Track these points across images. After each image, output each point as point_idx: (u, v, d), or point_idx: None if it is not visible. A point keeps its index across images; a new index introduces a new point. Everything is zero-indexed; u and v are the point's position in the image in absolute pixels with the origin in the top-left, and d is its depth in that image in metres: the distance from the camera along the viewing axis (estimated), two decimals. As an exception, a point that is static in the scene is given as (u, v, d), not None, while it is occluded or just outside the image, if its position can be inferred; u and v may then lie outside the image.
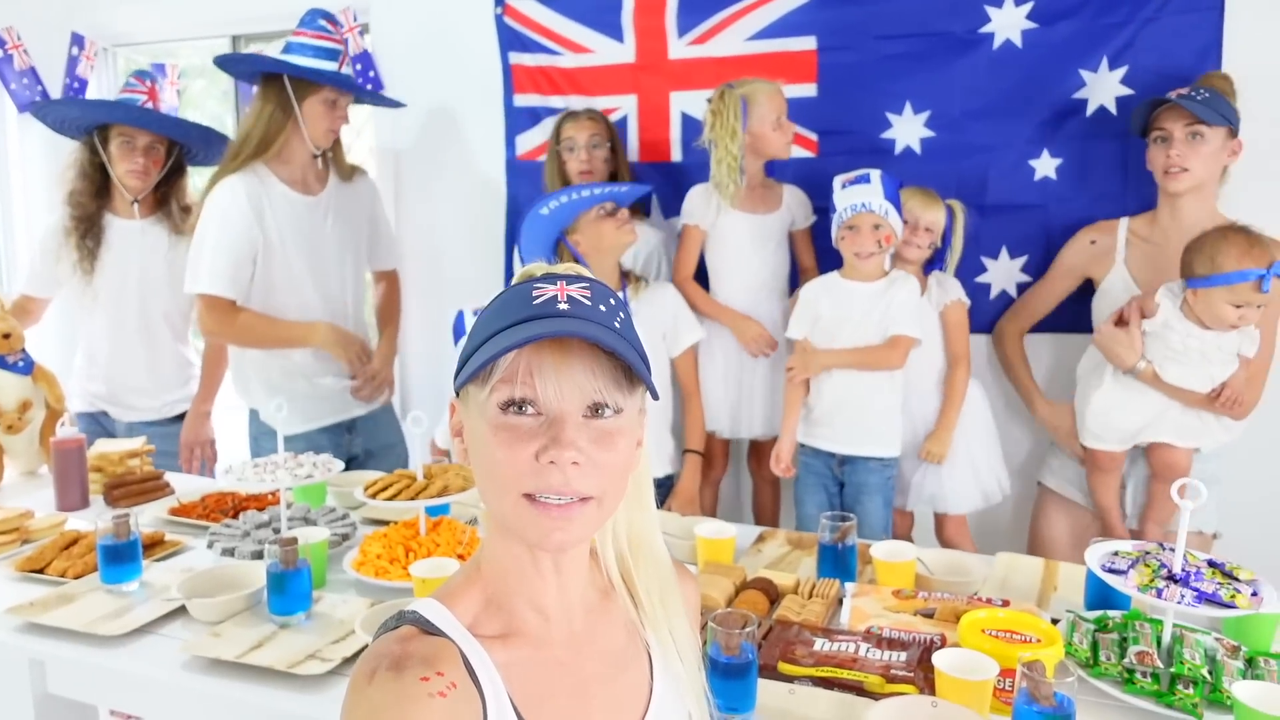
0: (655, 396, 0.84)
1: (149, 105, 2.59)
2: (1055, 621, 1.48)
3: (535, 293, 0.81)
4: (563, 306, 0.80)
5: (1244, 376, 2.05)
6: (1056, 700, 1.13)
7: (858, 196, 2.14)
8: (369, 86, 2.98)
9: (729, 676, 1.22)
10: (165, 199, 2.64)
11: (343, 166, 2.56)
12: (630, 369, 0.80)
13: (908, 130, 2.48)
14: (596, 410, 0.79)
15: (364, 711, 0.74)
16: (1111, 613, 1.46)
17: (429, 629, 0.82)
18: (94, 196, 2.59)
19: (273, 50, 2.60)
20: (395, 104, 2.70)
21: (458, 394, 0.85)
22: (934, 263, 2.35)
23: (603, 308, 0.81)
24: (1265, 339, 2.06)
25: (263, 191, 2.37)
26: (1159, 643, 1.33)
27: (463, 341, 0.87)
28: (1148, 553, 1.40)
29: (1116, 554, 1.42)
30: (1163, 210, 2.15)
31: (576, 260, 2.25)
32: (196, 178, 2.76)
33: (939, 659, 1.26)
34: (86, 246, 2.57)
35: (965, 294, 2.33)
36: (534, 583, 0.86)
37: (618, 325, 0.82)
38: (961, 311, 2.31)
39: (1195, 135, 2.04)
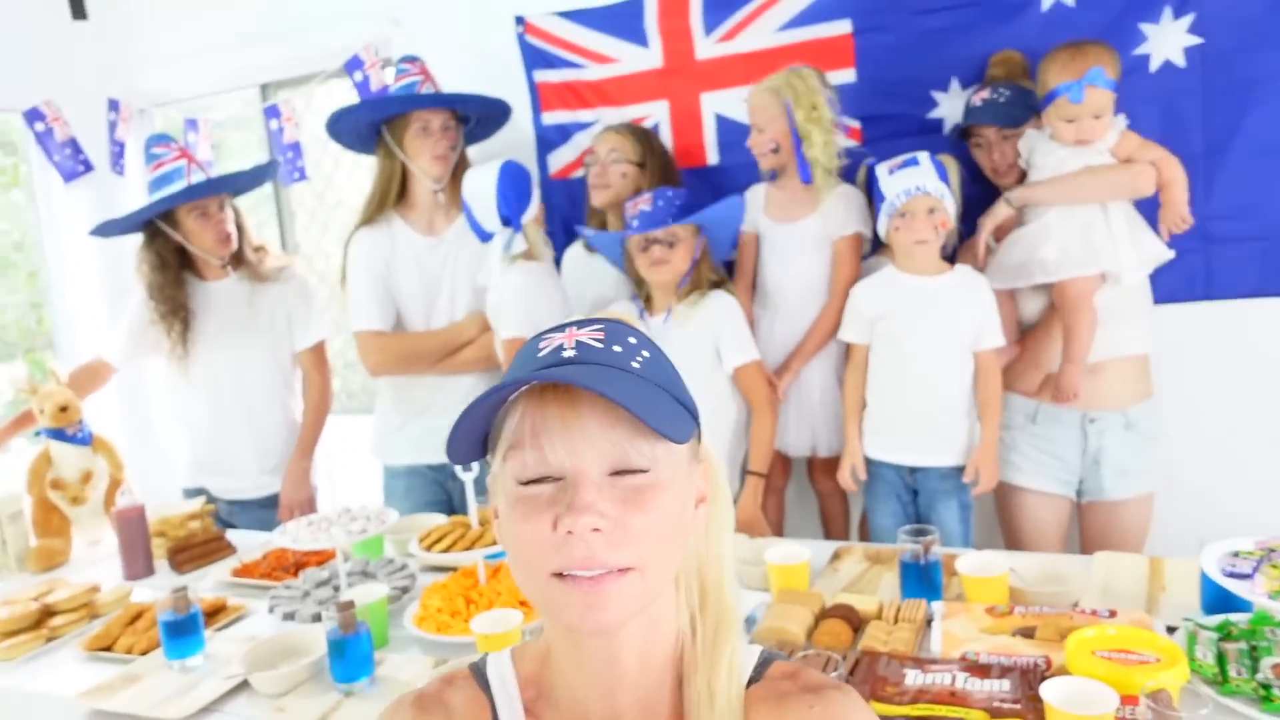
0: (679, 440, 0.71)
1: (194, 168, 2.56)
2: (1171, 630, 1.35)
3: (541, 345, 0.74)
4: (568, 354, 0.72)
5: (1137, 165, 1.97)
6: (1189, 734, 1.01)
7: (909, 180, 2.01)
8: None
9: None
10: (239, 249, 2.62)
11: None
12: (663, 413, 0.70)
13: (956, 107, 2.33)
14: (625, 468, 0.70)
15: None
16: (1235, 617, 1.32)
17: (481, 680, 0.80)
18: (176, 283, 2.56)
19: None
20: (497, 104, 2.56)
21: (487, 470, 0.77)
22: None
23: (617, 348, 0.73)
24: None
25: (388, 238, 2.48)
26: (1296, 652, 1.19)
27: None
28: (1273, 550, 1.26)
29: (1237, 555, 1.28)
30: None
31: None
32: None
33: (1048, 691, 1.14)
34: (178, 331, 2.54)
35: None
36: (577, 675, 0.76)
37: (637, 365, 0.73)
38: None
39: (1007, 138, 2.13)
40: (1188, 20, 2.10)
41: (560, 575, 0.68)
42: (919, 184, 1.99)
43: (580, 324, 0.75)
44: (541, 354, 0.73)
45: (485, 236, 2.28)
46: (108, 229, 2.63)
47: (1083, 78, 1.90)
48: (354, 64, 2.92)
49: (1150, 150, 1.97)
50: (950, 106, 2.35)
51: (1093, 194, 1.97)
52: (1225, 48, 2.08)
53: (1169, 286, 2.17)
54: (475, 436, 0.74)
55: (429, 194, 2.48)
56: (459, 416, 0.71)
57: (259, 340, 2.62)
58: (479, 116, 2.57)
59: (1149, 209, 2.04)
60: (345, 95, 3.00)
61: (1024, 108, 2.08)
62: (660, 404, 0.71)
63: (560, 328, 0.75)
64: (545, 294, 2.23)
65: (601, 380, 0.68)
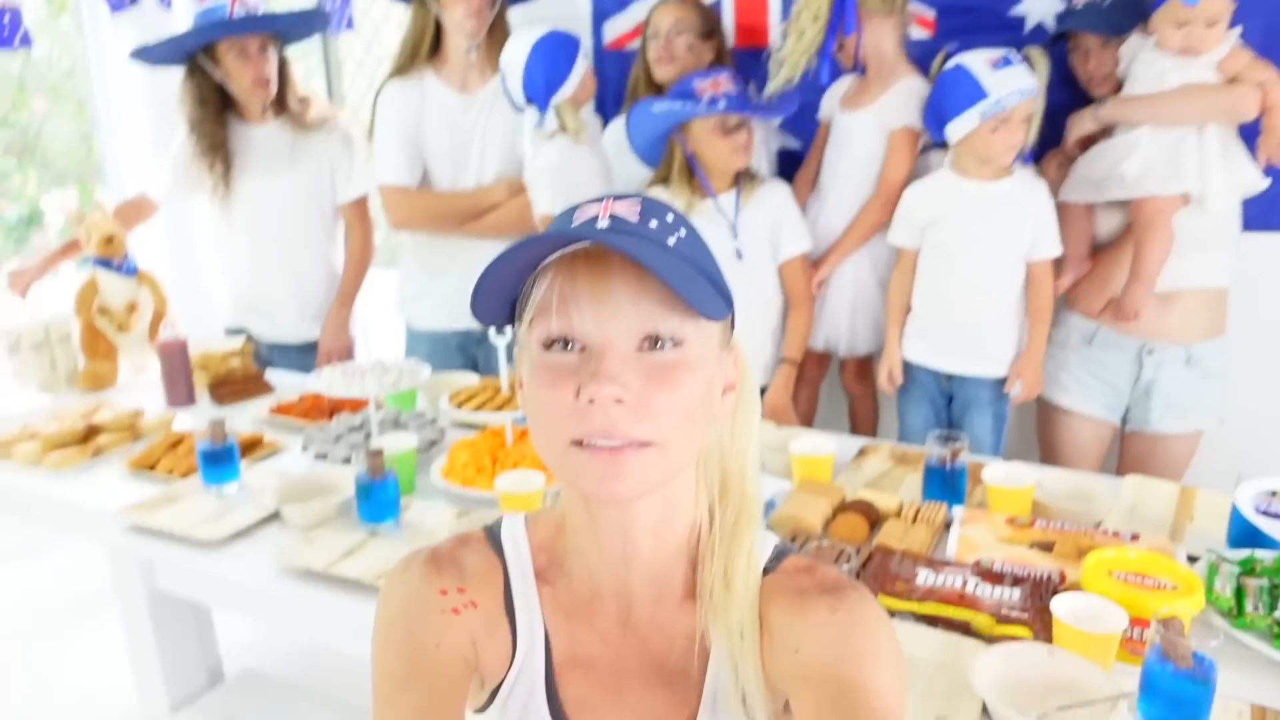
0: (715, 318, 0.70)
1: (239, 5, 2.48)
2: (1193, 560, 1.35)
3: (576, 215, 0.71)
4: (602, 225, 0.69)
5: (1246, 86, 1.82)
6: (1195, 660, 1.01)
7: (1019, 81, 1.88)
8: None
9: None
10: (281, 96, 2.58)
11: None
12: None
13: (1042, 5, 2.18)
14: (654, 343, 0.68)
15: (383, 592, 0.80)
16: (1260, 554, 1.30)
17: (495, 543, 0.81)
18: (217, 121, 2.53)
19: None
20: None
21: (514, 336, 0.76)
22: None
23: (654, 224, 0.70)
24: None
25: (419, 92, 2.41)
26: (1318, 593, 1.18)
27: None
28: (1311, 492, 1.23)
29: (1274, 494, 1.25)
30: None
31: (687, 159, 2.11)
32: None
33: (1059, 605, 1.15)
34: (219, 170, 2.53)
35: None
36: (591, 546, 0.77)
37: (673, 243, 0.70)
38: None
39: (1108, 46, 1.98)
40: None
41: (579, 443, 0.67)
42: (1028, 86, 1.88)
43: (617, 196, 0.72)
44: (576, 223, 0.71)
45: (519, 107, 2.21)
46: (146, 54, 2.57)
47: None
48: None
49: (1261, 70, 1.82)
50: (1035, 3, 2.19)
51: (1189, 115, 1.84)
52: None
53: (1252, 214, 2.05)
54: (503, 299, 0.72)
55: (462, 50, 2.39)
56: (482, 273, 0.69)
57: (300, 188, 2.60)
58: None
59: (1250, 133, 1.91)
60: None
61: (1130, 14, 1.92)
62: (695, 280, 0.68)
63: (597, 199, 0.72)
64: (580, 172, 2.16)
65: (636, 247, 0.65)
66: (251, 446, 1.93)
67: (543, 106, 2.15)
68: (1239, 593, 1.22)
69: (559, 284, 0.68)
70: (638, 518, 0.73)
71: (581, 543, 0.77)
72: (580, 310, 0.67)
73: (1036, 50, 1.97)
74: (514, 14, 2.53)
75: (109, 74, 3.33)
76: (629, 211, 0.70)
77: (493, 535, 0.82)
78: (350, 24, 3.06)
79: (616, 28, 2.69)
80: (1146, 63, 1.87)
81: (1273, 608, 1.18)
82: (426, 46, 2.41)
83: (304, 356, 2.71)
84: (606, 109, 2.72)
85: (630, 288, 0.67)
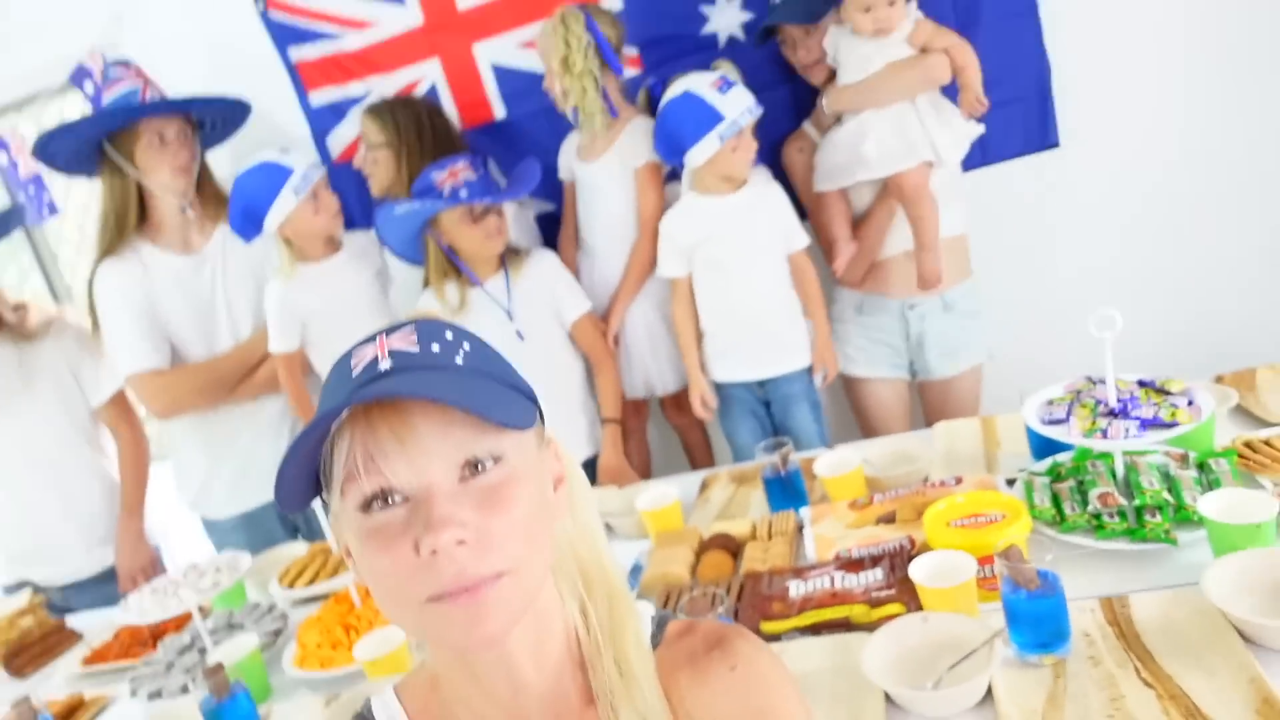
0: (524, 427, 0.68)
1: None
2: (1011, 483, 1.46)
3: (353, 362, 0.69)
4: (384, 366, 0.67)
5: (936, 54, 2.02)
6: (1041, 578, 1.10)
7: (745, 100, 1.98)
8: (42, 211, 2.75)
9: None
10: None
11: (225, 209, 2.28)
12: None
13: (727, 18, 2.34)
14: (473, 468, 0.66)
15: None
16: (1060, 458, 1.44)
17: None
18: None
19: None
20: (235, 105, 2.33)
21: (326, 509, 0.71)
22: None
23: (435, 347, 0.69)
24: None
25: (139, 266, 2.26)
26: (1114, 477, 1.31)
27: None
28: (1080, 392, 1.38)
29: (1050, 402, 1.39)
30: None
31: (445, 254, 2.09)
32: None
33: (915, 571, 1.21)
34: None
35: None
36: (475, 692, 0.73)
37: (460, 360, 0.69)
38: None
39: (811, 34, 2.13)
40: None
41: (435, 598, 0.64)
42: (753, 102, 1.99)
43: (389, 330, 0.70)
44: (355, 371, 0.67)
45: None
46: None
47: None
48: (81, 74, 2.55)
49: (944, 37, 2.01)
50: (720, 19, 2.35)
51: (896, 94, 2.01)
52: None
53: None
54: (305, 477, 0.68)
55: (175, 211, 2.27)
56: (281, 463, 0.65)
57: (44, 406, 2.33)
58: (215, 119, 2.35)
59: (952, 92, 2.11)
60: (80, 112, 2.68)
61: (824, 1, 2.05)
62: (497, 395, 0.68)
63: (370, 338, 0.70)
64: (312, 298, 2.18)
65: (428, 385, 0.64)
66: (72, 713, 1.71)
67: (246, 238, 2.14)
68: (1055, 500, 1.34)
69: (361, 442, 0.65)
70: (514, 648, 0.71)
71: (463, 692, 0.74)
72: (390, 462, 0.64)
73: (726, 62, 2.11)
74: (223, 151, 2.42)
75: None
76: (406, 343, 0.68)
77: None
78: (54, 209, 2.81)
79: (341, 139, 2.64)
80: (849, 49, 2.04)
81: (1085, 504, 1.30)
82: (133, 216, 2.25)
83: (105, 587, 2.42)
84: (354, 218, 2.65)
85: (435, 423, 0.65)
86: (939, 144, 2.02)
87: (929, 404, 2.29)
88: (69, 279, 3.25)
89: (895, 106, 2.02)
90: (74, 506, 2.39)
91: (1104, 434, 1.27)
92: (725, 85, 1.99)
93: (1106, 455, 1.35)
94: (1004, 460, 1.59)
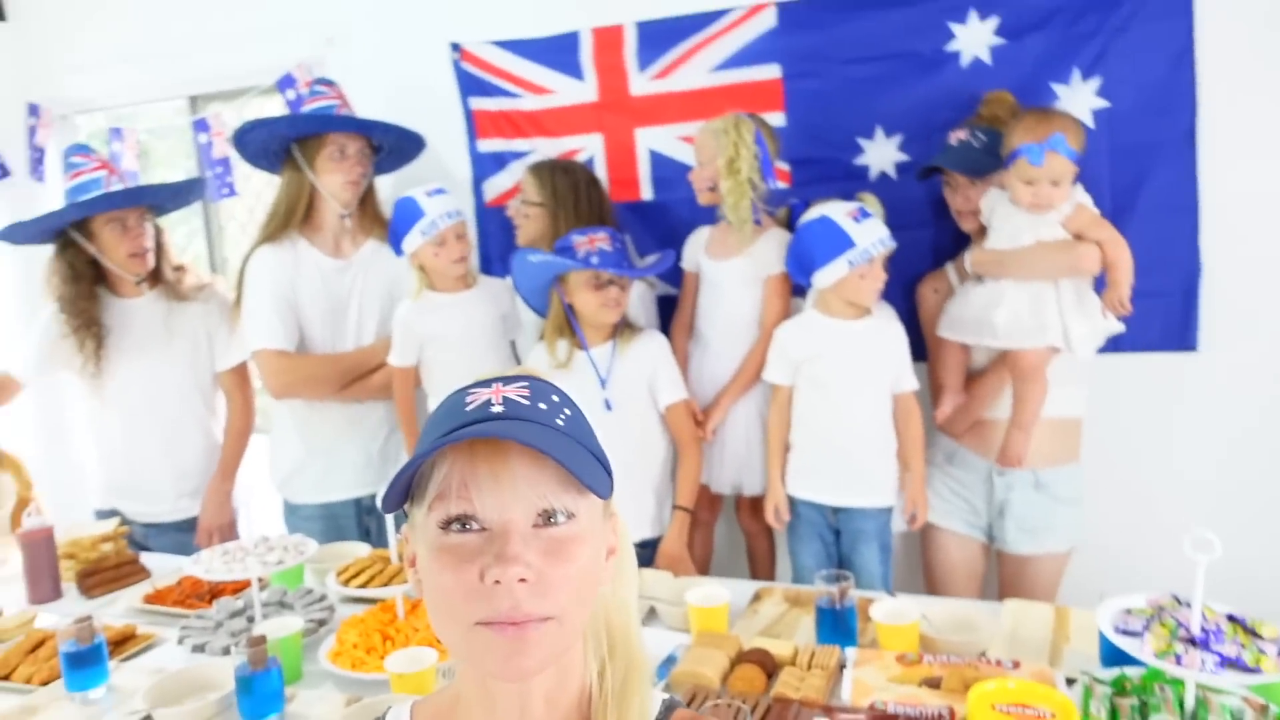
0: (602, 496, 0.76)
1: (113, 180, 2.47)
2: (1071, 682, 1.41)
3: (468, 400, 0.75)
4: (497, 409, 0.74)
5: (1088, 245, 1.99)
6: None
7: (879, 231, 2.04)
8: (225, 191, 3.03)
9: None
10: (157, 266, 2.53)
11: (380, 227, 2.51)
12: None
13: (881, 155, 2.41)
14: (548, 519, 0.72)
15: None
16: (1130, 671, 1.38)
17: None
18: (90, 296, 2.45)
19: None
20: (413, 137, 2.53)
21: (406, 516, 0.78)
22: None
23: (543, 405, 0.75)
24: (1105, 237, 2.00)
25: (293, 257, 2.44)
26: (1182, 707, 1.25)
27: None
28: (1162, 609, 1.32)
29: (1129, 612, 1.34)
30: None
31: (565, 311, 2.19)
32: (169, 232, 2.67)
33: (947, 744, 1.18)
34: (90, 347, 2.44)
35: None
36: (485, 719, 0.78)
37: (561, 423, 0.75)
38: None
39: (975, 184, 2.14)
40: (1095, 83, 2.20)
41: (484, 623, 0.70)
42: (887, 235, 2.05)
43: (506, 380, 0.77)
44: (470, 408, 0.74)
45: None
46: (16, 232, 2.51)
47: (1044, 142, 1.90)
48: (286, 82, 2.88)
49: (1101, 229, 1.99)
50: (875, 154, 2.42)
51: (1041, 271, 2.00)
52: (1129, 111, 2.18)
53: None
54: (405, 485, 0.75)
55: (336, 218, 2.46)
56: (398, 472, 0.73)
57: (177, 360, 2.54)
58: (392, 148, 2.55)
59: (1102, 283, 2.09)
60: (276, 111, 2.95)
61: (996, 156, 2.06)
62: (585, 460, 0.73)
63: (486, 383, 0.77)
64: (431, 325, 2.34)
65: (536, 437, 0.70)
66: (123, 641, 1.81)
67: (396, 252, 2.33)
68: (1113, 714, 1.28)
69: (460, 468, 0.72)
70: (534, 689, 0.76)
71: (475, 717, 0.78)
72: (481, 493, 0.71)
73: (870, 196, 2.16)
74: (389, 180, 2.62)
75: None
76: (519, 394, 0.75)
77: None
78: (232, 191, 3.09)
79: (496, 186, 2.81)
80: (1004, 217, 2.05)
81: (1143, 726, 1.23)
82: (300, 213, 2.45)
83: (182, 535, 2.58)
84: (491, 262, 2.81)
85: (527, 469, 0.71)
86: (1072, 333, 2.00)
87: (1004, 575, 2.22)
88: (228, 252, 3.52)
89: (1036, 284, 2.01)
90: (176, 455, 2.57)
91: (1178, 660, 1.22)
92: (862, 215, 2.05)
93: (1178, 682, 1.29)
94: (1069, 656, 1.53)
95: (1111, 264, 1.98)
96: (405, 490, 0.75)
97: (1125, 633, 1.29)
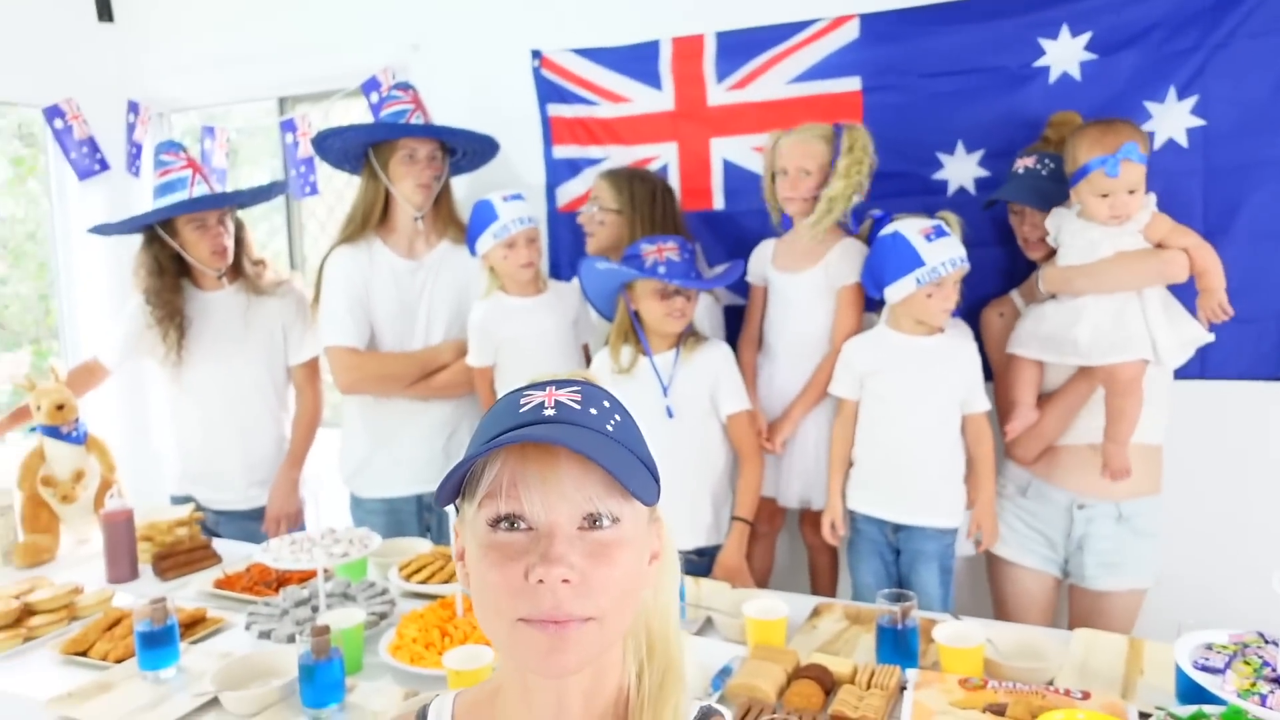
0: (647, 503, 0.77)
1: (198, 179, 2.58)
2: (1145, 717, 1.35)
3: (523, 401, 0.78)
4: (549, 413, 0.76)
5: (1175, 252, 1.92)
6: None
7: (952, 251, 2.00)
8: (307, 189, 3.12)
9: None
10: (237, 261, 2.63)
11: (454, 228, 2.57)
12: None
13: (961, 170, 2.36)
14: (593, 522, 0.74)
15: None
16: (1208, 709, 1.31)
17: None
18: (174, 288, 2.57)
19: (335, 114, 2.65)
20: (484, 140, 2.58)
21: (457, 511, 0.81)
22: None
23: (594, 411, 0.77)
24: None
25: (368, 259, 2.51)
26: (1264, 750, 1.19)
27: None
28: (1246, 646, 1.26)
29: (1210, 648, 1.28)
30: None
31: (631, 318, 2.20)
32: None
33: (1012, 774, 1.14)
34: (173, 338, 2.55)
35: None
36: (522, 712, 0.80)
37: (610, 429, 0.77)
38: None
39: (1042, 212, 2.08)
40: (1191, 101, 2.13)
41: (526, 620, 0.72)
42: (960, 255, 2.00)
43: (560, 384, 0.79)
44: (523, 410, 0.77)
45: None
46: (105, 230, 2.66)
47: (1118, 151, 1.86)
48: (371, 85, 2.96)
49: (1184, 236, 1.93)
50: (955, 169, 2.37)
51: (1127, 282, 1.94)
52: (1227, 131, 2.10)
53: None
54: (457, 482, 0.77)
55: (409, 220, 2.52)
56: (453, 467, 0.75)
57: (253, 353, 2.63)
58: (467, 150, 2.60)
59: (1186, 291, 2.01)
60: (361, 115, 3.04)
61: (1062, 189, 2.02)
62: (632, 467, 0.75)
63: (540, 385, 0.79)
64: (505, 328, 2.38)
65: (584, 442, 0.72)
66: (194, 624, 1.87)
67: (471, 251, 2.40)
68: (1189, 752, 1.22)
69: (510, 468, 0.74)
70: (571, 686, 0.77)
71: (515, 711, 0.80)
72: (530, 494, 0.73)
73: (951, 214, 2.11)
74: (465, 181, 2.67)
75: (73, 238, 3.40)
76: (571, 399, 0.77)
77: (421, 717, 0.86)
78: (315, 189, 3.19)
79: (569, 191, 2.84)
80: (1075, 233, 1.98)
81: (1222, 768, 1.18)
82: (376, 216, 2.52)
83: (251, 523, 2.66)
84: (561, 267, 2.84)
85: (575, 473, 0.73)
86: (1160, 344, 1.92)
87: (1076, 612, 2.13)
88: (307, 250, 3.64)
89: (1119, 296, 1.95)
90: (248, 445, 2.66)
91: (1263, 700, 1.16)
92: (936, 234, 2.01)
93: (1261, 724, 1.23)
94: (1143, 690, 1.46)
95: (1202, 270, 1.92)
96: (459, 486, 0.77)
97: (1205, 669, 1.24)
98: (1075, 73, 2.22)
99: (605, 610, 0.73)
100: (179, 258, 2.58)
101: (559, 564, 0.70)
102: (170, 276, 2.57)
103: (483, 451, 0.73)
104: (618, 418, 0.79)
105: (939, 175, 2.39)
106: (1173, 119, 2.15)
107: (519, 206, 2.34)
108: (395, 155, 2.45)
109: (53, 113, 3.26)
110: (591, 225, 2.48)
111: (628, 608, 0.77)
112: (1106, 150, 1.88)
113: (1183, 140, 2.13)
